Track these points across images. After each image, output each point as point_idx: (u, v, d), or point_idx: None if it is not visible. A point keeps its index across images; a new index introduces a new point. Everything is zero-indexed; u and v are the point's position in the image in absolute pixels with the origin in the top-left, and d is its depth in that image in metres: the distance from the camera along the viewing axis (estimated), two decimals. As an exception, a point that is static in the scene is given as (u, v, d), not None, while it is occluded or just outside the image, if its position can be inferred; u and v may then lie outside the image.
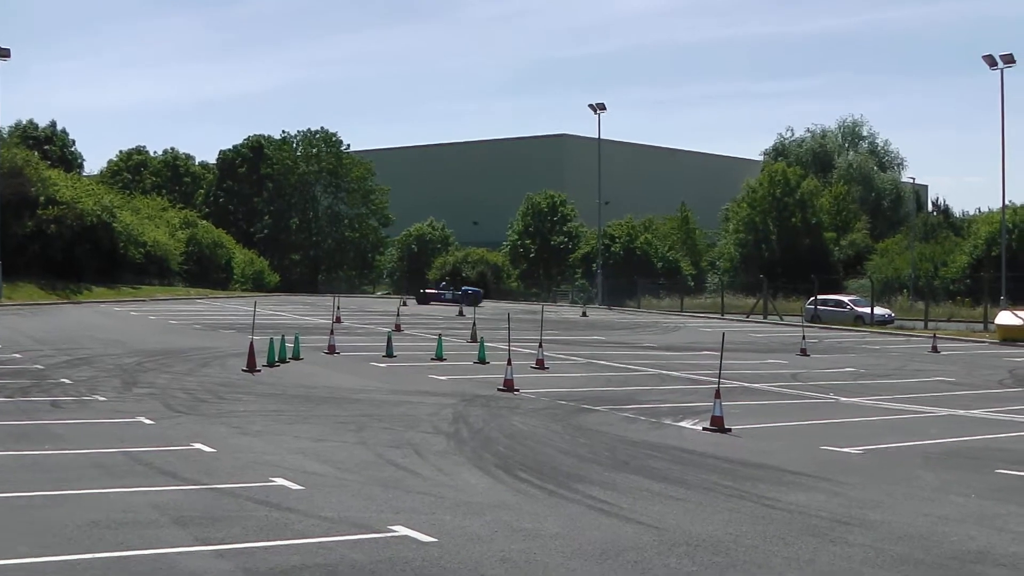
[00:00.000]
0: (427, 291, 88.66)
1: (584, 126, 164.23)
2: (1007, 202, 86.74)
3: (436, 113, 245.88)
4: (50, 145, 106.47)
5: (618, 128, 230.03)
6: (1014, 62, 67.75)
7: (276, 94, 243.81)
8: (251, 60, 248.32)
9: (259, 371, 31.72)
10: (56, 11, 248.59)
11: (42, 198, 75.13)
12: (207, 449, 18.94)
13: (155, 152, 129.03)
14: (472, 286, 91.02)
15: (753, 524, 14.37)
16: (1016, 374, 40.01)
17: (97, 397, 25.89)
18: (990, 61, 67.92)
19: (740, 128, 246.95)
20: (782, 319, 72.91)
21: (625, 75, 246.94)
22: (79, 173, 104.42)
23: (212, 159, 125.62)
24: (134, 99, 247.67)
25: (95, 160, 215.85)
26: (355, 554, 12.25)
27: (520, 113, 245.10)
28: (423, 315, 64.72)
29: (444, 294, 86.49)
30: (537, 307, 66.34)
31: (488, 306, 73.47)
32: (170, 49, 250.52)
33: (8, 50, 66.95)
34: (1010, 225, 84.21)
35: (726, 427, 23.10)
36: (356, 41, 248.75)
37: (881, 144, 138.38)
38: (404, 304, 69.34)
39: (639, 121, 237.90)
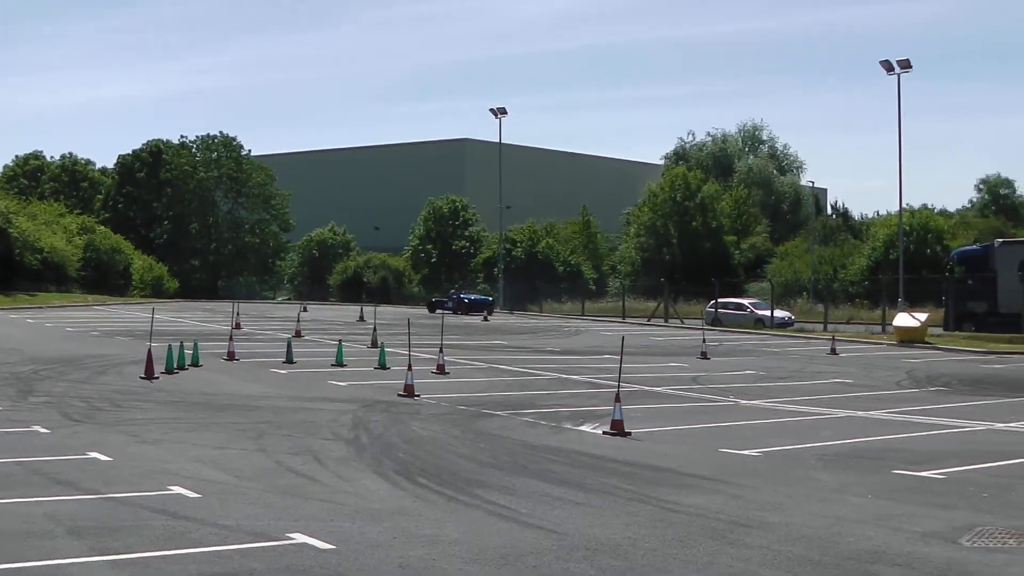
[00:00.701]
0: (435, 300, 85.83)
1: (486, 131, 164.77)
2: (905, 205, 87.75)
3: (337, 118, 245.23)
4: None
5: (520, 133, 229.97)
6: (911, 68, 68.57)
7: (175, 99, 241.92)
8: (150, 65, 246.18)
9: (157, 378, 31.41)
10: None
11: (-64, 204, 74.27)
12: (104, 458, 18.73)
13: (52, 157, 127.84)
14: (478, 294, 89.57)
15: (652, 527, 14.43)
16: (913, 375, 40.46)
17: (-8, 406, 25.55)
18: (887, 67, 68.64)
19: (642, 133, 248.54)
20: (683, 322, 73.26)
21: (527, 80, 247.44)
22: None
23: (111, 164, 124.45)
24: (30, 104, 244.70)
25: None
26: (253, 563, 12.17)
27: (422, 118, 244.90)
28: (324, 321, 64.42)
29: (446, 302, 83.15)
30: (438, 311, 66.32)
31: (389, 311, 73.25)
32: (68, 53, 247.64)
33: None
34: (908, 228, 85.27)
35: (626, 431, 23.17)
36: (256, 45, 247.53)
37: (781, 148, 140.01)
38: (304, 310, 68.94)
39: (541, 126, 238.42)
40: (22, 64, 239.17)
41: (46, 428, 22.20)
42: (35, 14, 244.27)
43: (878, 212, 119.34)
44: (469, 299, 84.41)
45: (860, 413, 28.68)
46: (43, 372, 32.81)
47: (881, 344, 57.63)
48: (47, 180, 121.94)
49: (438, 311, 76.22)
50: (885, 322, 65.43)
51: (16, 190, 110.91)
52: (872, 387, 36.21)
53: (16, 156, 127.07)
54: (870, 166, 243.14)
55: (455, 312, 79.40)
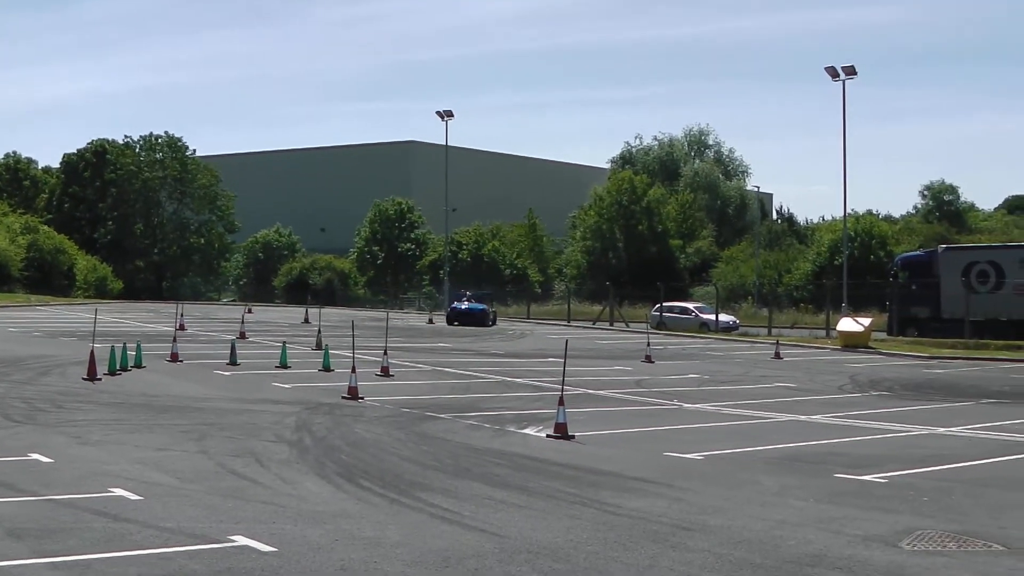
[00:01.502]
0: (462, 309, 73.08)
1: (432, 133, 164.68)
2: (850, 210, 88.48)
3: (283, 118, 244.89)
4: None
5: (466, 135, 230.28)
6: (856, 74, 68.96)
7: (119, 98, 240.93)
8: (94, 62, 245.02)
9: (100, 379, 31.22)
10: None
11: None
12: (45, 459, 18.61)
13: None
14: (478, 301, 75.24)
15: (594, 531, 14.45)
16: (856, 379, 40.71)
17: (-68, 407, 25.35)
18: (832, 72, 69.03)
19: (588, 136, 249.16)
20: (628, 326, 73.47)
21: (473, 81, 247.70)
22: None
23: (55, 163, 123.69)
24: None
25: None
26: (194, 564, 12.12)
27: (368, 119, 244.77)
28: (268, 322, 64.22)
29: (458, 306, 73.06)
30: (383, 314, 66.20)
31: (333, 313, 73.01)
32: (9, 50, 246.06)
33: None
34: (852, 233, 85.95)
35: (570, 434, 23.21)
36: (201, 44, 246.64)
37: (727, 152, 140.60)
38: (249, 311, 68.70)
39: (488, 128, 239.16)
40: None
41: (-14, 429, 22.06)
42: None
43: (823, 217, 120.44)
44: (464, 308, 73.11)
45: (803, 417, 28.82)
46: (-16, 372, 32.58)
47: (825, 348, 57.99)
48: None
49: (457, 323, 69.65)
50: (829, 327, 65.83)
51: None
52: (815, 391, 36.42)
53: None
54: (815, 171, 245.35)
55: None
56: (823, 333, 65.72)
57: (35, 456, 18.91)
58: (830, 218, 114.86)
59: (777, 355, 50.04)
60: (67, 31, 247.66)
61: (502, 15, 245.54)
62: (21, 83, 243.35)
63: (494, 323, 72.68)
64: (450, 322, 70.96)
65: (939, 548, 14.10)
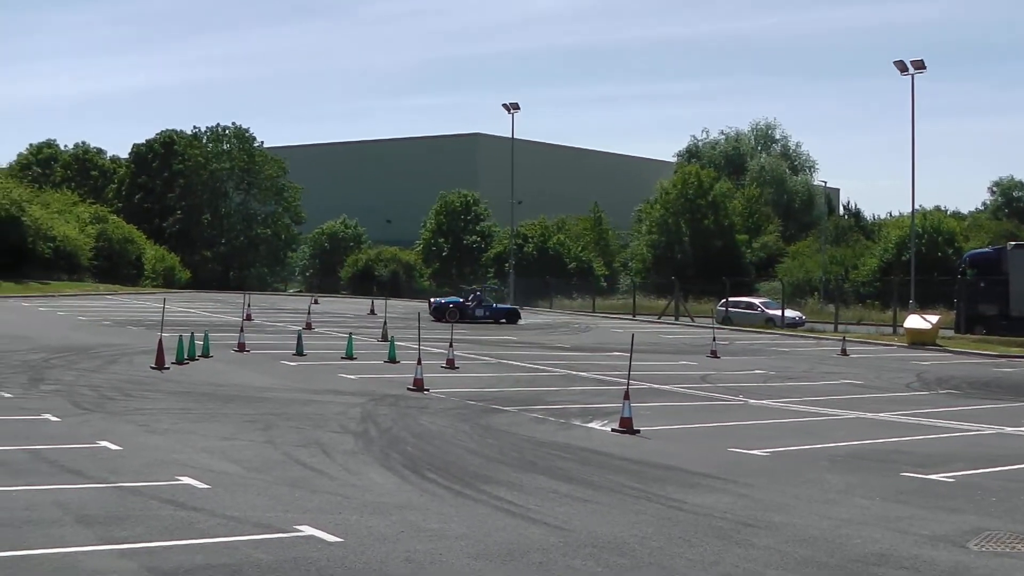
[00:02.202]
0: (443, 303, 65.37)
1: (498, 125, 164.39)
2: (917, 206, 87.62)
3: (350, 111, 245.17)
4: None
5: (532, 128, 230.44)
6: (924, 68, 68.30)
7: (187, 89, 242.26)
8: (163, 54, 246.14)
9: (168, 368, 31.49)
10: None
11: (-52, 191, 74.32)
12: (113, 447, 18.79)
13: (65, 146, 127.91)
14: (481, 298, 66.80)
15: (659, 526, 14.44)
16: (923, 377, 40.40)
17: (2, 394, 25.59)
18: (901, 67, 68.41)
19: (655, 130, 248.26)
20: (693, 321, 73.19)
21: (539, 74, 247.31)
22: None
23: (123, 154, 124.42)
24: (44, 92, 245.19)
25: (3, 154, 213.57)
26: (260, 554, 12.20)
27: (435, 112, 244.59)
28: (334, 314, 64.44)
29: (469, 306, 64.35)
30: (449, 306, 66.21)
31: (399, 305, 73.19)
32: (81, 42, 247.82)
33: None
34: (920, 229, 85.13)
35: (634, 428, 23.18)
36: (267, 37, 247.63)
37: (793, 147, 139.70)
38: (315, 302, 68.90)
39: (554, 121, 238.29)
40: (37, 52, 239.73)
41: (56, 416, 22.28)
42: (49, 3, 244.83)
43: (890, 213, 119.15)
44: (495, 306, 66.97)
45: (869, 415, 28.66)
46: (54, 360, 32.90)
47: (891, 346, 57.53)
48: (60, 169, 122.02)
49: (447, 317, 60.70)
50: (896, 324, 65.28)
51: (29, 178, 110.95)
52: (882, 389, 36.20)
53: (30, 145, 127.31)
54: (883, 166, 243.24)
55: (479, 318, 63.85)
56: (890, 330, 65.15)
57: (104, 444, 19.09)
58: (897, 214, 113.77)
59: (843, 352, 49.69)
60: (134, 23, 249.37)
61: (569, 8, 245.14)
62: (90, 74, 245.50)
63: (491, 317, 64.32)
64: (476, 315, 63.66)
65: (1007, 549, 13.99)
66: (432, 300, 67.23)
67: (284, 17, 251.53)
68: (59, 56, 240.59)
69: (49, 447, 18.57)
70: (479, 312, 63.82)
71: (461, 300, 65.74)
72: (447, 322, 56.07)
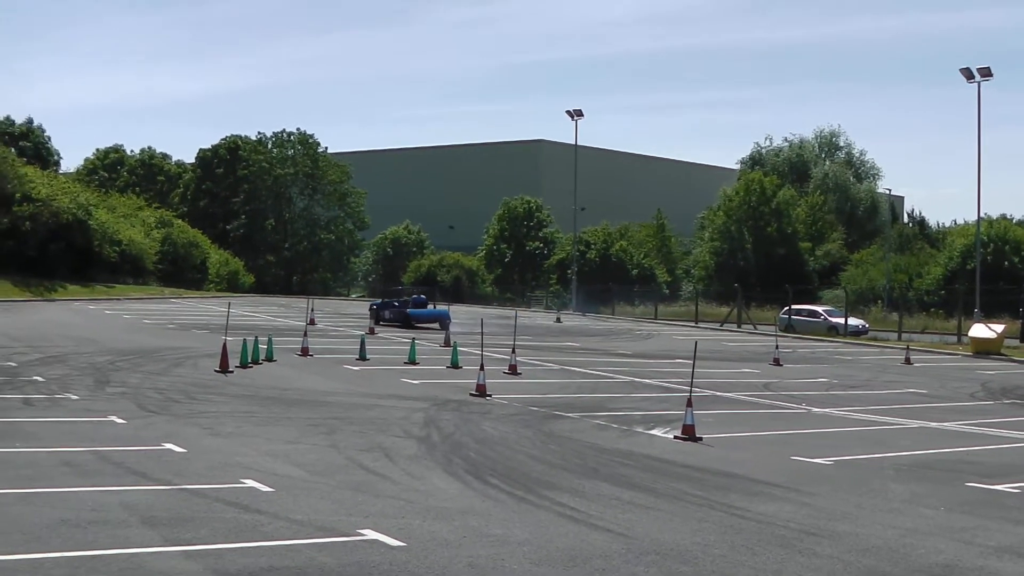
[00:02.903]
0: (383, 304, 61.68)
1: (561, 132, 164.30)
2: (983, 214, 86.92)
3: (411, 117, 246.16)
4: (25, 141, 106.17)
5: (595, 134, 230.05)
6: (991, 76, 67.80)
7: (252, 95, 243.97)
8: (227, 60, 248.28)
9: (232, 372, 31.70)
10: (33, 7, 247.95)
11: (18, 195, 74.82)
12: (178, 449, 18.92)
13: (132, 151, 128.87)
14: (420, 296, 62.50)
15: (721, 534, 14.41)
16: (988, 387, 40.11)
17: (69, 395, 25.85)
18: (967, 74, 67.96)
19: (717, 136, 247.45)
20: (756, 328, 72.91)
21: (603, 81, 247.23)
22: (55, 171, 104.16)
23: (188, 159, 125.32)
24: (111, 97, 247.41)
25: (72, 158, 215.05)
26: (323, 557, 12.26)
27: (498, 118, 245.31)
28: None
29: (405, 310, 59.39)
30: (511, 312, 66.24)
31: (461, 310, 73.23)
32: (147, 48, 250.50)
33: (-15, 46, 66.88)
34: (985, 238, 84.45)
35: (697, 436, 23.14)
36: (329, 44, 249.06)
37: (857, 154, 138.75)
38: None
39: (616, 127, 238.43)
40: (104, 58, 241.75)
41: (122, 418, 22.48)
42: (116, 9, 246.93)
43: (955, 221, 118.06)
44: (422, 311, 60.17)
45: (933, 424, 28.48)
46: (119, 363, 33.18)
47: (956, 355, 57.13)
48: (126, 173, 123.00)
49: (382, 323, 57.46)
50: (960, 333, 64.84)
51: (96, 182, 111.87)
52: (946, 398, 35.93)
53: (97, 149, 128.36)
54: (948, 174, 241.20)
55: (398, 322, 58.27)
56: (954, 339, 64.71)
57: (169, 446, 19.23)
58: (962, 222, 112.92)
59: (907, 360, 49.39)
60: (201, 29, 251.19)
61: (632, 16, 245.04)
62: (157, 79, 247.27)
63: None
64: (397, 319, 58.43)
65: (1073, 560, 13.88)
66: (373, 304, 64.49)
67: (349, 23, 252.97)
68: (126, 62, 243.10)
69: (115, 449, 18.74)
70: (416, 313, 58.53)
71: (397, 303, 60.42)
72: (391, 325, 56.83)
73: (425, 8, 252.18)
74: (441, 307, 62.99)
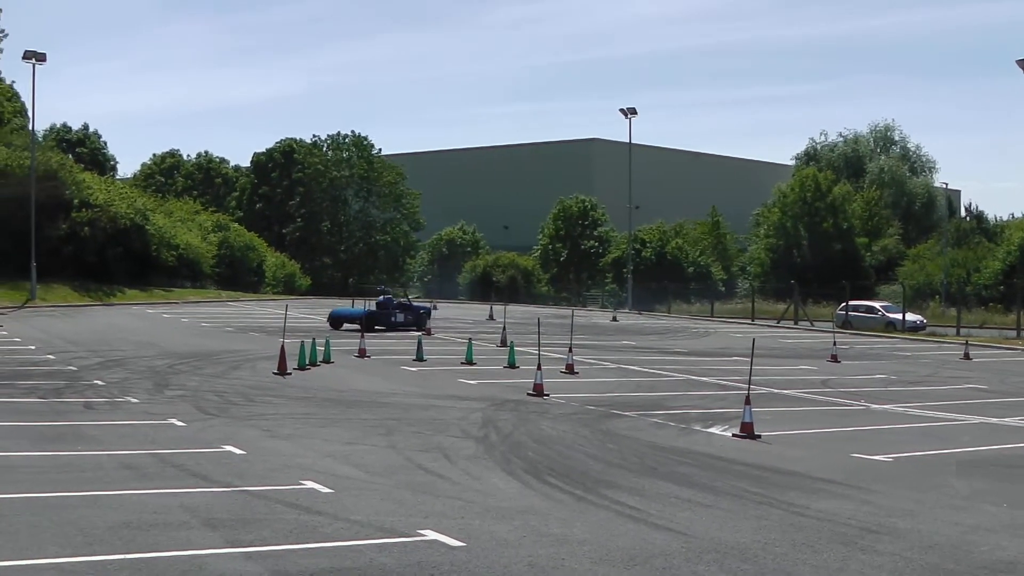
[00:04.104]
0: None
1: (613, 130, 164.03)
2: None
3: (466, 117, 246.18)
4: (82, 148, 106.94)
5: (648, 132, 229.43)
6: (1048, 67, 67.20)
7: (305, 98, 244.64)
8: (280, 64, 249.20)
9: (290, 374, 31.85)
10: (89, 15, 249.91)
11: (76, 201, 75.36)
12: (238, 451, 19.04)
13: (188, 155, 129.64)
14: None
15: (782, 532, 14.36)
16: (1049, 382, 39.84)
17: (129, 399, 26.05)
18: (1023, 65, 67.41)
19: (772, 132, 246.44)
20: (813, 325, 72.60)
21: (655, 78, 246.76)
22: (112, 176, 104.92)
23: (244, 163, 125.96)
24: (166, 103, 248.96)
25: (128, 163, 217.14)
26: (384, 558, 12.30)
27: (551, 117, 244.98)
28: (453, 319, 64.69)
29: (392, 313, 53.04)
30: (567, 311, 66.21)
31: (517, 310, 73.28)
32: (200, 53, 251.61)
33: (44, 54, 67.31)
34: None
35: (756, 433, 23.08)
36: (381, 46, 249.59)
37: (913, 148, 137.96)
38: (435, 308, 69.19)
39: (669, 124, 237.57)
40: (159, 64, 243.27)
41: (181, 421, 22.64)
42: (169, 16, 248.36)
43: (1013, 215, 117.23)
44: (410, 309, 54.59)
45: (994, 420, 28.26)
46: (179, 366, 33.40)
47: (1016, 349, 56.72)
48: (182, 178, 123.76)
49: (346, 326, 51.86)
50: (1020, 327, 64.43)
51: (153, 187, 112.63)
52: (1007, 393, 35.68)
53: (154, 154, 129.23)
54: (1006, 167, 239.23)
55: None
56: (1014, 334, 64.30)
57: (228, 448, 19.35)
58: (1020, 215, 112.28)
59: (966, 356, 49.05)
60: (254, 34, 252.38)
61: (684, 12, 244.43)
62: (212, 84, 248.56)
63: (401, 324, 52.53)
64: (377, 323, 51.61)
65: None
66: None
67: (401, 25, 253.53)
68: (181, 68, 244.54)
69: (175, 451, 18.87)
70: (400, 317, 52.43)
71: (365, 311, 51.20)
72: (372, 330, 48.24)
73: (476, 9, 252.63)
74: (422, 304, 60.09)
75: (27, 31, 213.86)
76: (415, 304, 54.63)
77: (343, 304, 62.24)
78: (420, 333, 46.81)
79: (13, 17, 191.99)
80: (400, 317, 52.54)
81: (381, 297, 55.44)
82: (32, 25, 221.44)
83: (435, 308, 67.93)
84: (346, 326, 51.07)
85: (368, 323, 47.88)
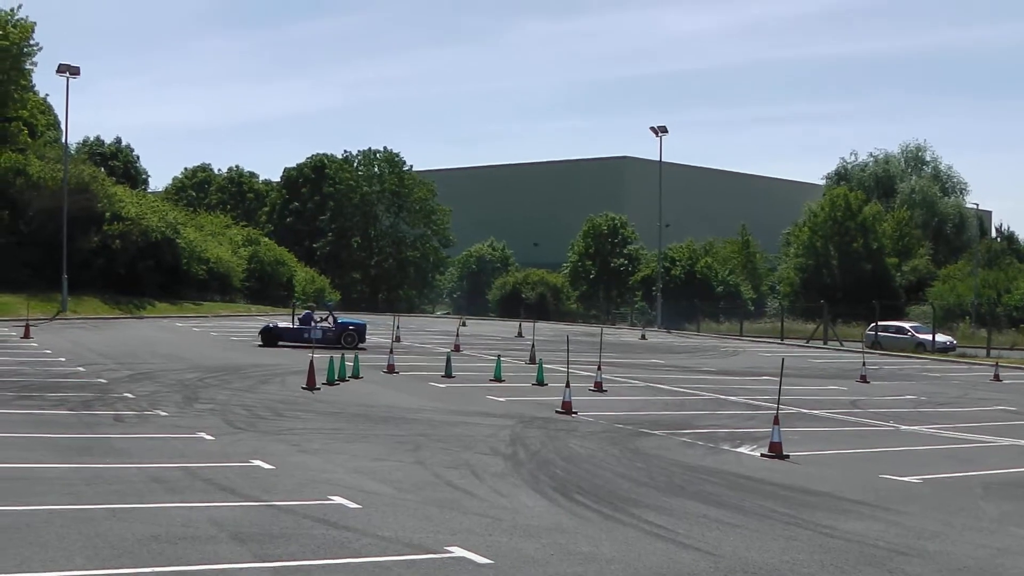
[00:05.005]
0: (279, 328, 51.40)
1: (644, 148, 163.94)
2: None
3: (493, 134, 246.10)
4: (115, 161, 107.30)
5: (678, 150, 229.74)
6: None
7: (337, 114, 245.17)
8: (313, 79, 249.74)
9: (319, 389, 31.89)
10: (123, 29, 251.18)
11: (108, 214, 75.50)
12: (266, 466, 19.07)
13: (219, 170, 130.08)
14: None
15: (810, 552, 14.33)
16: (1079, 404, 39.63)
17: (159, 412, 26.12)
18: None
19: (802, 152, 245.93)
20: (842, 345, 72.38)
21: (685, 97, 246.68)
22: (144, 190, 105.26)
23: (275, 177, 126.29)
24: (199, 117, 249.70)
25: (160, 177, 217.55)
26: (411, 574, 12.33)
27: (581, 135, 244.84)
28: (482, 335, 64.67)
29: (309, 329, 49.78)
30: (596, 329, 66.07)
31: (546, 327, 73.24)
32: (232, 69, 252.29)
33: (77, 68, 67.59)
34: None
35: (784, 453, 23.05)
36: (412, 62, 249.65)
37: (944, 169, 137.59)
38: (463, 324, 69.23)
39: (699, 143, 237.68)
40: (191, 78, 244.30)
41: (210, 435, 22.70)
42: (203, 31, 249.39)
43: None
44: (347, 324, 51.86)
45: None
46: (208, 380, 33.47)
47: (1046, 371, 56.49)
48: (214, 192, 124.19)
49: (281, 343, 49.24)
50: (1051, 349, 64.14)
51: (184, 201, 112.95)
52: (1037, 415, 35.56)
53: (185, 168, 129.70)
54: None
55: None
56: (1044, 355, 64.06)
57: (257, 462, 19.39)
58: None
59: (996, 377, 48.87)
60: (286, 49, 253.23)
61: (713, 31, 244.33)
62: (244, 99, 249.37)
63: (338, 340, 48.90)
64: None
65: None
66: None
67: (433, 41, 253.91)
68: (214, 82, 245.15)
69: (204, 465, 18.92)
70: (315, 334, 48.93)
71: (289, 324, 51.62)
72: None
73: (507, 26, 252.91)
74: (353, 320, 54.85)
75: (62, 45, 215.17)
76: (343, 321, 51.67)
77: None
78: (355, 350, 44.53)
79: (49, 31, 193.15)
80: (318, 334, 49.06)
81: (303, 313, 53.08)
82: (67, 39, 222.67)
83: (464, 325, 67.89)
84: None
85: (269, 338, 48.90)
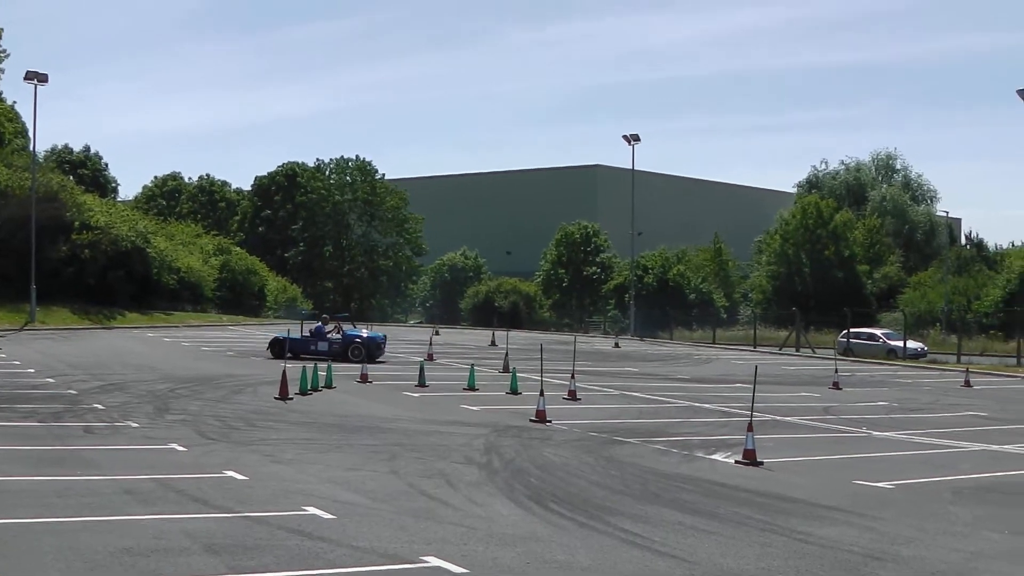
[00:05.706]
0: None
1: (617, 156, 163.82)
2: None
3: (468, 142, 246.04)
4: (84, 169, 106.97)
5: (651, 158, 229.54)
6: (1049, 96, 67.18)
7: (309, 121, 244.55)
8: (284, 87, 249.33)
9: (291, 399, 31.79)
10: (90, 36, 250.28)
11: (77, 223, 75.17)
12: (239, 477, 19.00)
13: (190, 178, 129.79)
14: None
15: (785, 559, 14.35)
16: (1050, 410, 39.80)
17: (130, 423, 26.00)
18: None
19: (774, 160, 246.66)
20: (814, 352, 72.58)
21: (658, 105, 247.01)
22: (114, 198, 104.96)
23: (246, 186, 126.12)
24: (169, 125, 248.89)
25: (130, 186, 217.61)
26: (387, 584, 12.29)
27: (554, 143, 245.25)
28: (456, 344, 64.66)
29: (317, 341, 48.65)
30: (569, 337, 66.13)
31: (519, 336, 73.25)
32: (203, 75, 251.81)
33: (46, 75, 67.38)
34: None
35: (758, 460, 23.07)
36: (389, 69, 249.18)
37: (915, 177, 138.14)
38: (436, 333, 69.20)
39: (672, 151, 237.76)
40: (161, 86, 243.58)
41: (182, 446, 22.60)
42: (172, 38, 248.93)
43: (1013, 243, 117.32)
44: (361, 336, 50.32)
45: (995, 447, 28.27)
46: (179, 390, 33.35)
47: (1016, 377, 56.72)
48: (184, 201, 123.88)
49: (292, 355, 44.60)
50: (1020, 355, 64.40)
51: (155, 210, 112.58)
52: (1007, 420, 35.66)
53: (155, 177, 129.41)
54: (1006, 195, 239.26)
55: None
56: (1014, 361, 64.27)
57: (230, 473, 19.31)
58: (1021, 243, 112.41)
59: (967, 383, 49.06)
60: (255, 58, 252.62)
61: (685, 40, 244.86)
62: (214, 107, 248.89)
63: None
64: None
65: None
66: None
67: (405, 50, 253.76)
68: (184, 90, 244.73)
69: (176, 476, 18.85)
70: (322, 346, 47.76)
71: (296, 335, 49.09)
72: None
73: (479, 34, 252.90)
74: (373, 333, 52.85)
75: (32, 52, 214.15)
76: (351, 333, 49.76)
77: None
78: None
79: (19, 38, 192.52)
80: (324, 347, 47.67)
81: (315, 325, 50.54)
82: (36, 47, 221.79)
83: (437, 334, 67.86)
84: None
85: (279, 350, 46.00)
